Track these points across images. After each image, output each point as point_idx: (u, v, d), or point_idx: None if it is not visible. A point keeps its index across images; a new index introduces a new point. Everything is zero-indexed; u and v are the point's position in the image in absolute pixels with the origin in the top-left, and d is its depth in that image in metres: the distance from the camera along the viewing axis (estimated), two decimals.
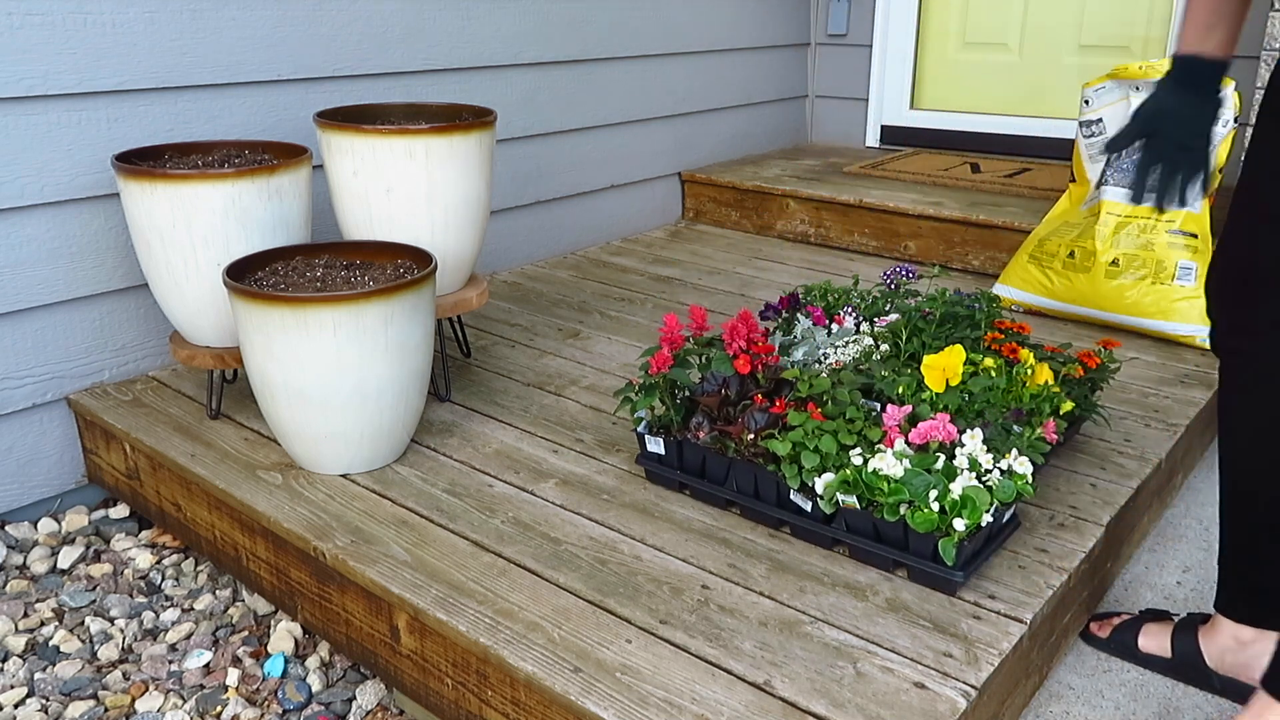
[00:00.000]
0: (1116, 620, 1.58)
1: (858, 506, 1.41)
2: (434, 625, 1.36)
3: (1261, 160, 1.21)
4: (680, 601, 1.37)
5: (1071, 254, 2.36)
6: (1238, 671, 1.44)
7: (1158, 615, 1.57)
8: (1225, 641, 1.44)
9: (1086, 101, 2.49)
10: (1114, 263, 2.30)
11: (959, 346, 1.52)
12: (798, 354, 1.80)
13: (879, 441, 1.47)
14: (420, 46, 2.47)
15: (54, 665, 1.61)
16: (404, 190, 1.88)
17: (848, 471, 1.41)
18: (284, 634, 1.66)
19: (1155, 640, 1.52)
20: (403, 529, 1.55)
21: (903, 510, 1.36)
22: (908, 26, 3.66)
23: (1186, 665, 1.49)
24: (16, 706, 1.52)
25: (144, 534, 1.97)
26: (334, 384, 1.59)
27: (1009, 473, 1.41)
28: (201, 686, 1.56)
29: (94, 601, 1.76)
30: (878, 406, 1.56)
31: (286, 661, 1.61)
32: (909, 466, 1.39)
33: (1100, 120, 2.45)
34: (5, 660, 1.62)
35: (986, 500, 1.34)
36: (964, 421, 1.52)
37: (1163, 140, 1.18)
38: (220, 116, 2.12)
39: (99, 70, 1.91)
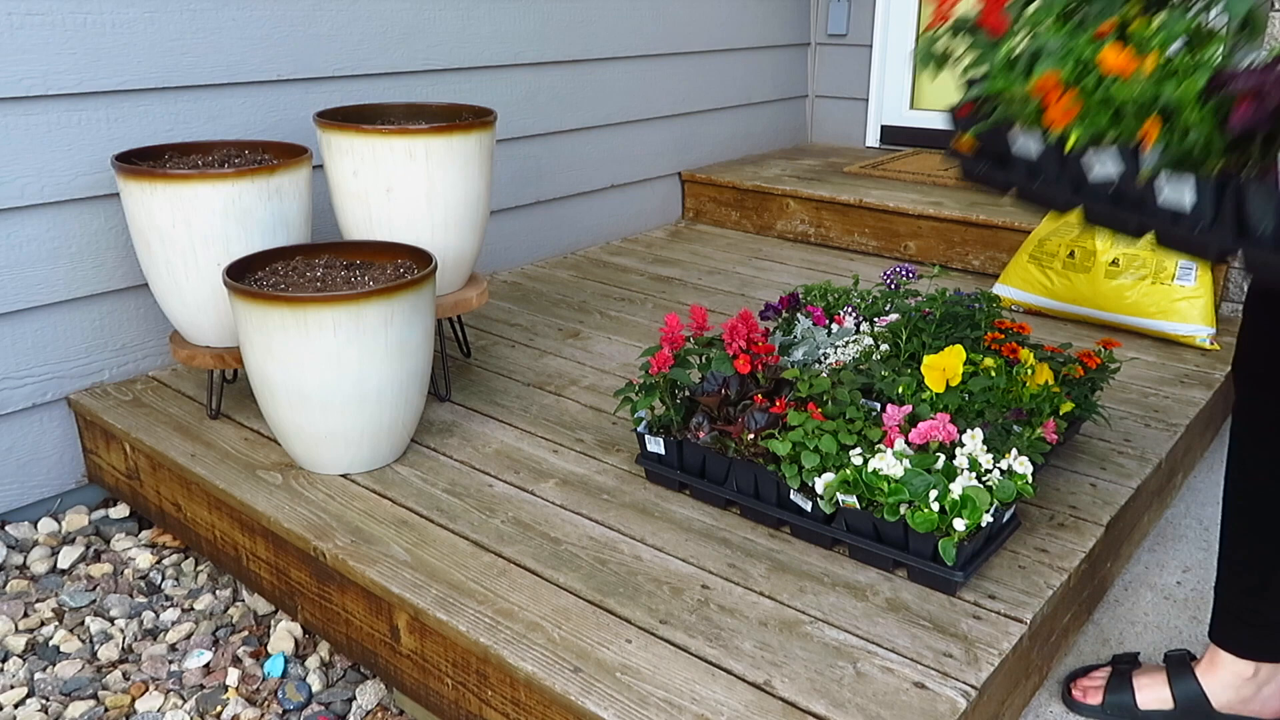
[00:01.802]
0: (1099, 679, 1.48)
1: (858, 506, 1.41)
2: (434, 625, 1.36)
3: None
4: (680, 601, 1.37)
5: (1071, 254, 2.36)
6: (1242, 708, 1.38)
7: (1129, 661, 1.49)
8: (1227, 677, 1.38)
9: None
10: (1114, 263, 2.30)
11: (959, 346, 1.52)
12: (798, 354, 1.80)
13: (879, 441, 1.47)
14: (420, 46, 2.47)
15: (54, 665, 1.61)
16: (404, 190, 1.88)
17: (848, 471, 1.41)
18: (284, 634, 1.66)
19: (1153, 693, 1.44)
20: (403, 529, 1.55)
21: (903, 510, 1.36)
22: (908, 26, 3.66)
23: (1194, 713, 1.41)
24: (16, 706, 1.52)
25: (144, 534, 1.97)
26: (334, 384, 1.59)
27: (1009, 473, 1.41)
28: (201, 686, 1.56)
29: (94, 601, 1.76)
30: (878, 406, 1.56)
31: (286, 661, 1.61)
32: (909, 466, 1.39)
33: None
34: (5, 660, 1.62)
35: (986, 500, 1.34)
36: (964, 421, 1.52)
37: None
38: (220, 116, 2.12)
39: (99, 70, 1.91)
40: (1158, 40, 0.97)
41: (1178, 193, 0.94)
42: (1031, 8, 1.05)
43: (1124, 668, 1.48)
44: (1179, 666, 1.44)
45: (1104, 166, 0.99)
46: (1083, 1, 1.04)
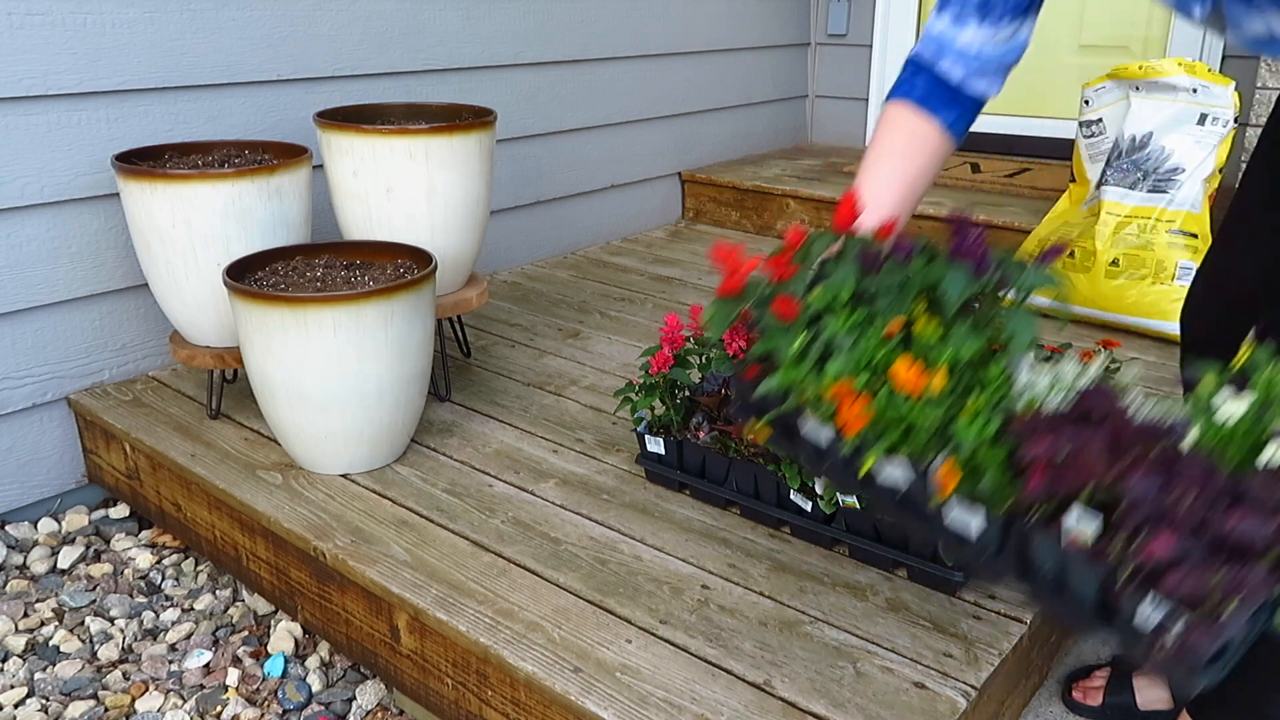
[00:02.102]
0: (1099, 679, 1.48)
1: (857, 506, 1.41)
2: (434, 625, 1.36)
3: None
4: (680, 601, 1.37)
5: (1071, 254, 2.36)
6: None
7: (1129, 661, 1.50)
8: None
9: (1086, 101, 2.49)
10: (1114, 263, 2.30)
11: None
12: None
13: None
14: (420, 46, 2.47)
15: (54, 665, 1.61)
16: (404, 190, 1.88)
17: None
18: (284, 634, 1.66)
19: (1153, 693, 1.44)
20: (403, 529, 1.55)
21: None
22: (908, 26, 3.66)
23: None
24: (16, 706, 1.52)
25: (144, 534, 1.97)
26: (334, 384, 1.59)
27: None
28: (201, 686, 1.56)
29: (94, 601, 1.76)
30: None
31: (286, 661, 1.61)
32: None
33: (1100, 120, 2.45)
34: (5, 660, 1.62)
35: None
36: None
37: None
38: (220, 116, 2.12)
39: (99, 70, 1.91)
40: (945, 357, 0.96)
41: (965, 519, 0.94)
42: (816, 293, 1.04)
43: (1124, 668, 1.48)
44: None
45: (893, 473, 0.98)
46: (870, 287, 1.03)
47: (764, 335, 1.06)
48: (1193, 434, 0.86)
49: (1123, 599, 0.82)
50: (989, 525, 0.92)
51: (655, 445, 1.64)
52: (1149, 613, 0.80)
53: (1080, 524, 0.85)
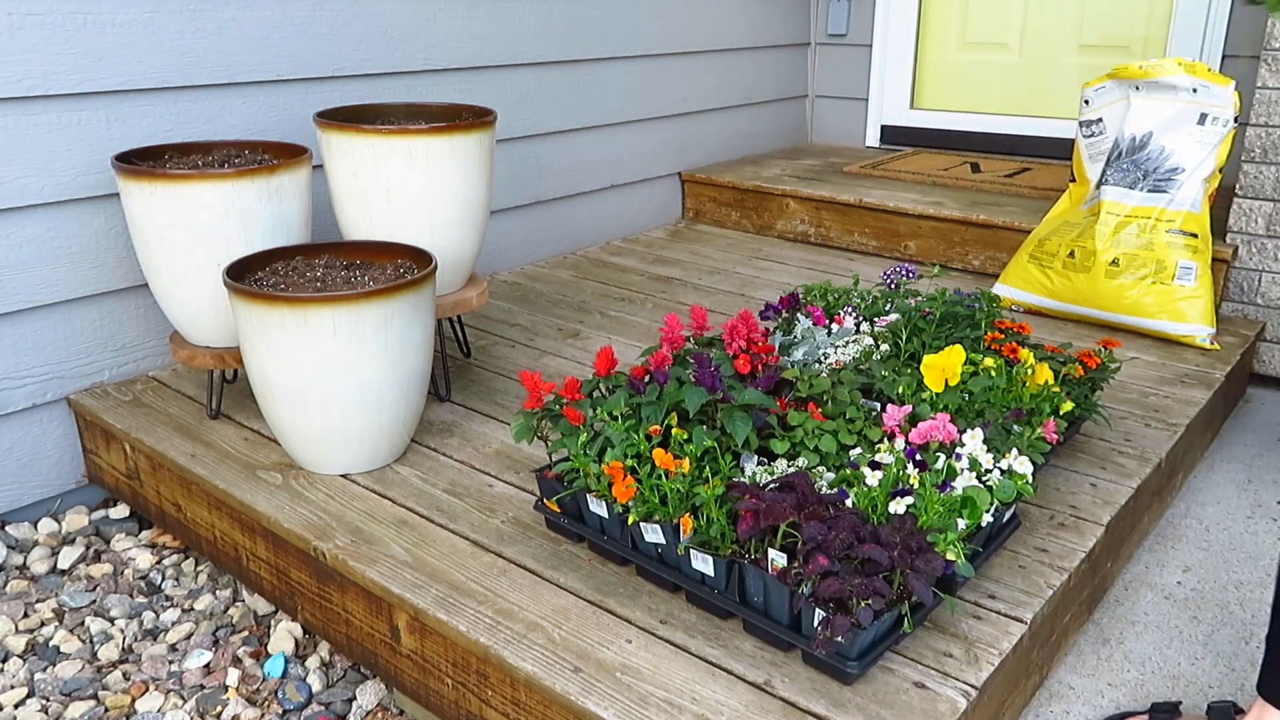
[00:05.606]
0: None
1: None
2: (434, 625, 1.36)
3: None
4: (680, 601, 1.37)
5: (1072, 254, 2.36)
6: None
7: (1168, 710, 1.43)
8: None
9: (1086, 101, 2.49)
10: (1114, 262, 2.30)
11: (959, 346, 1.52)
12: (798, 354, 1.80)
13: (879, 441, 1.47)
14: (420, 46, 2.47)
15: (54, 665, 1.61)
16: (404, 190, 1.88)
17: (848, 472, 1.41)
18: (284, 634, 1.66)
19: None
20: (403, 529, 1.55)
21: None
22: (908, 26, 3.66)
23: None
24: (17, 706, 1.52)
25: (144, 534, 1.97)
26: (334, 384, 1.59)
27: (1009, 472, 1.41)
28: (201, 686, 1.56)
29: (94, 601, 1.76)
30: (878, 406, 1.56)
31: (286, 661, 1.61)
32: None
33: (1100, 120, 2.45)
34: (5, 660, 1.62)
35: (986, 500, 1.34)
36: (964, 421, 1.52)
37: None
38: (220, 116, 2.12)
39: (99, 70, 1.91)
40: (689, 450, 1.37)
41: (702, 563, 1.30)
42: (598, 410, 1.44)
43: (1163, 716, 1.43)
44: (1220, 717, 1.39)
45: (654, 535, 1.35)
46: (638, 405, 1.46)
47: (559, 434, 1.46)
48: (851, 497, 1.31)
49: (802, 609, 1.20)
50: (717, 567, 1.28)
51: None
52: (816, 617, 1.18)
53: (775, 559, 1.22)
